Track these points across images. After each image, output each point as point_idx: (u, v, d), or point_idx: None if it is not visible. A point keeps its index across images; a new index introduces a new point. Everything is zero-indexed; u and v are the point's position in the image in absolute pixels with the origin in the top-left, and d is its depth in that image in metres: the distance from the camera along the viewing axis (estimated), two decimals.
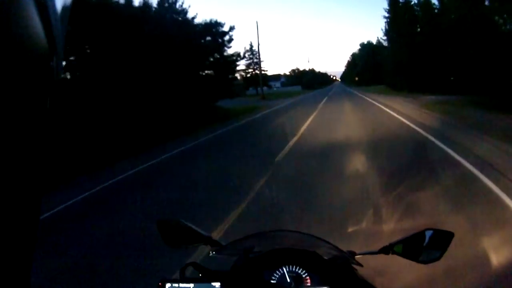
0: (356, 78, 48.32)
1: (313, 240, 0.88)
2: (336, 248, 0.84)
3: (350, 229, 2.50)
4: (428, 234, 0.81)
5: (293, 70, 75.97)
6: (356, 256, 0.88)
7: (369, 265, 0.84)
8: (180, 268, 0.82)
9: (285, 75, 78.70)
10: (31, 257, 0.23)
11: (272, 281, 0.86)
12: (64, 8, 0.24)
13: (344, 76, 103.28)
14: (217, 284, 0.77)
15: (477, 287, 1.58)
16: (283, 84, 67.73)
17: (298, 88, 59.29)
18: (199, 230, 0.86)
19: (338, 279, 0.83)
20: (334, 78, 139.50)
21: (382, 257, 0.87)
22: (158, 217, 0.86)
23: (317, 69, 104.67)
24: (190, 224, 0.86)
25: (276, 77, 69.83)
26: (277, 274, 0.88)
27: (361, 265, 0.83)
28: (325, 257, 0.85)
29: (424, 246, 0.81)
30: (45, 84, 0.23)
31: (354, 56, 69.94)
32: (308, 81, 68.54)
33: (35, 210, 0.23)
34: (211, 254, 0.87)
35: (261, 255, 0.87)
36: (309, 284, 0.86)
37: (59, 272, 2.41)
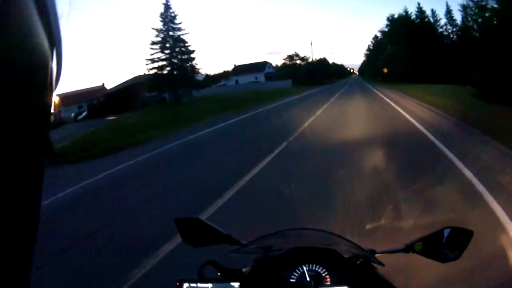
0: (385, 70, 38.09)
1: (333, 238, 0.93)
2: (357, 246, 0.89)
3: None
4: (446, 232, 0.84)
5: (290, 56, 63.71)
6: (376, 255, 0.91)
7: (387, 263, 0.89)
8: (199, 267, 0.86)
9: (279, 66, 65.21)
10: (31, 257, 0.26)
11: (291, 280, 0.90)
12: (65, 8, 0.27)
13: (362, 68, 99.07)
14: (236, 284, 0.79)
15: None
16: (269, 78, 56.74)
17: (286, 83, 45.86)
18: (218, 228, 0.93)
19: (358, 279, 0.85)
20: (351, 70, 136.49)
21: (400, 255, 0.91)
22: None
23: (331, 60, 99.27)
24: (209, 222, 0.93)
25: (260, 66, 59.19)
26: (296, 273, 0.90)
27: (382, 264, 0.87)
28: (345, 256, 0.89)
29: (443, 245, 0.84)
30: (45, 84, 0.24)
31: (377, 41, 57.05)
32: (308, 73, 57.80)
33: (35, 209, 0.25)
34: (230, 253, 0.92)
35: (281, 254, 0.92)
36: (328, 283, 0.88)
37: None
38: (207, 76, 60.82)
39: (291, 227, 0.93)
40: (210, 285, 0.79)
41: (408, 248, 0.87)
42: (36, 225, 0.26)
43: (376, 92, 21.51)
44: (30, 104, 0.23)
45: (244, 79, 54.84)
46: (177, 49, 27.14)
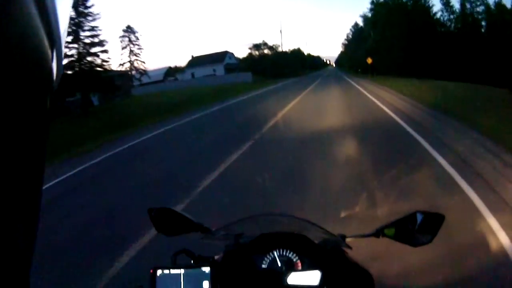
0: (369, 60, 32.05)
1: (304, 224, 1.05)
2: (327, 231, 1.01)
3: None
4: (419, 217, 0.95)
5: (257, 46, 62.27)
6: (347, 239, 1.04)
7: (361, 251, 1.04)
8: (172, 255, 1.00)
9: (245, 57, 63.78)
10: (31, 257, 0.29)
11: (263, 266, 1.03)
12: (65, 7, 0.31)
13: (340, 59, 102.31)
14: (207, 269, 0.92)
15: None
16: (229, 69, 55.44)
17: (245, 77, 43.79)
18: (190, 217, 1.06)
19: (329, 263, 0.98)
20: (328, 62, 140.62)
21: (374, 242, 1.04)
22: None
23: (307, 51, 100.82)
24: (181, 212, 1.07)
25: (219, 56, 58.04)
26: (267, 258, 1.04)
27: (350, 247, 1.01)
28: (316, 241, 1.02)
29: (415, 229, 0.95)
30: (45, 84, 0.28)
31: (357, 29, 57.15)
32: (275, 65, 57.23)
33: (35, 209, 0.29)
34: (201, 240, 1.06)
35: (252, 240, 1.05)
36: (300, 268, 1.01)
37: None
38: (170, 68, 60.27)
39: (261, 212, 1.07)
40: (182, 270, 0.92)
41: (379, 233, 0.99)
42: (36, 225, 0.29)
43: (363, 92, 17.20)
44: (29, 104, 0.26)
45: (201, 72, 54.00)
46: (87, 41, 24.11)
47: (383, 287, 0.98)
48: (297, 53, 79.02)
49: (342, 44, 77.68)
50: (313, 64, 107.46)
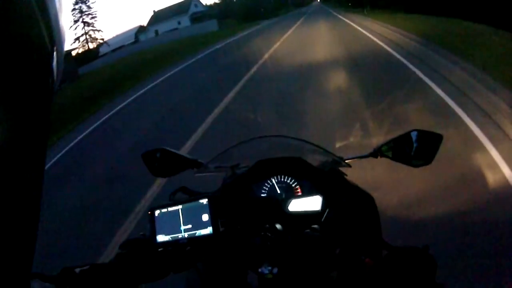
0: None
1: (300, 144, 1.13)
2: (325, 150, 1.10)
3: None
4: (414, 136, 1.03)
5: None
6: (345, 161, 1.13)
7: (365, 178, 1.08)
8: (170, 193, 1.09)
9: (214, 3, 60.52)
10: (31, 257, 0.32)
11: (262, 194, 1.12)
12: (65, 7, 0.34)
13: None
14: (204, 201, 0.99)
15: None
16: (197, 19, 53.98)
17: (211, 25, 42.61)
18: (185, 154, 1.16)
19: (329, 186, 1.06)
20: None
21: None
22: None
23: None
24: (174, 151, 1.16)
25: (183, 7, 57.46)
26: (266, 186, 1.13)
27: (349, 166, 1.10)
28: (314, 163, 1.09)
29: (413, 149, 1.03)
30: (45, 84, 0.30)
31: None
32: (247, 6, 56.44)
33: (35, 209, 0.31)
34: (196, 174, 1.15)
35: (248, 169, 1.13)
36: (300, 194, 1.10)
37: None
38: (141, 27, 59.04)
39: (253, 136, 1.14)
40: (180, 206, 1.00)
41: (376, 152, 1.08)
42: (36, 225, 0.32)
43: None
44: (30, 103, 0.29)
45: (165, 27, 52.40)
46: None
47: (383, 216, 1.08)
48: None
49: None
50: (297, 1, 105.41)
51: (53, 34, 0.30)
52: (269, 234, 0.95)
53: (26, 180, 0.30)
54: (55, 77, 0.32)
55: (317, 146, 1.10)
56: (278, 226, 0.97)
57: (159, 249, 0.96)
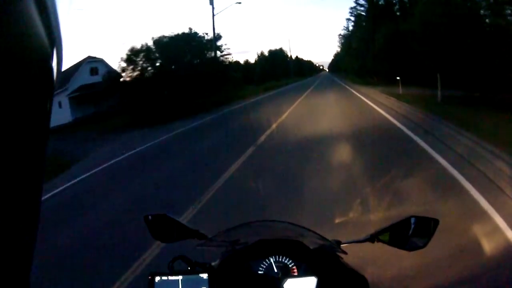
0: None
1: (299, 230, 1.23)
2: (322, 237, 1.21)
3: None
4: (413, 221, 1.14)
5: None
6: (342, 245, 1.25)
7: (357, 255, 1.29)
8: (169, 261, 1.18)
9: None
10: (31, 257, 0.34)
11: (259, 272, 1.20)
12: (65, 7, 0.54)
13: (336, 63, 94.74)
14: (205, 276, 1.09)
15: None
16: (83, 100, 26.63)
17: None
18: (186, 224, 1.32)
19: (325, 268, 1.16)
20: (321, 67, 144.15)
21: (370, 247, 1.22)
22: None
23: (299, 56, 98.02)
24: (176, 219, 1.30)
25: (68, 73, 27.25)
26: (264, 264, 1.21)
27: (345, 252, 1.20)
28: (311, 247, 1.21)
29: (410, 234, 1.14)
30: (45, 84, 0.33)
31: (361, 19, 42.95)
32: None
33: (35, 210, 0.34)
34: (197, 246, 1.27)
35: (248, 246, 1.25)
36: (296, 274, 1.18)
37: None
38: None
39: (257, 219, 1.26)
40: (180, 277, 1.09)
41: (373, 238, 1.20)
42: (36, 225, 0.34)
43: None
44: (30, 103, 0.31)
45: None
46: None
47: None
48: (279, 54, 70.92)
49: (340, 37, 63.95)
50: (302, 69, 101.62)
51: (53, 34, 0.34)
52: None
53: (26, 180, 0.32)
54: (55, 77, 0.35)
55: (316, 233, 1.22)
56: None
57: None
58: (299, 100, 21.80)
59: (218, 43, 28.56)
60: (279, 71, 64.33)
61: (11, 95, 0.27)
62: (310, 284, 1.14)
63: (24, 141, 0.31)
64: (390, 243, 1.15)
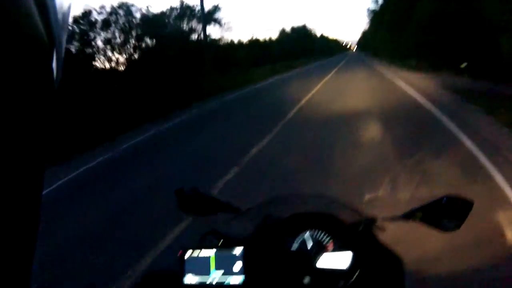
0: None
1: (334, 204, 1.25)
2: (358, 211, 1.22)
3: None
4: (446, 200, 1.12)
5: None
6: (378, 222, 1.22)
7: (386, 233, 1.18)
8: (200, 236, 1.19)
9: None
10: (31, 257, 0.34)
11: (293, 247, 1.19)
12: (65, 7, 0.38)
13: (365, 41, 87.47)
14: (240, 250, 1.07)
15: None
16: None
17: None
18: (218, 197, 1.16)
19: (360, 244, 1.15)
20: (348, 46, 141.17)
21: (396, 225, 1.19)
22: None
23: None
24: (208, 193, 1.31)
25: None
26: (298, 239, 1.20)
27: (384, 229, 1.20)
28: (347, 222, 1.20)
29: (444, 214, 1.12)
30: (45, 85, 0.33)
31: None
32: None
33: (35, 209, 0.34)
34: (230, 220, 1.28)
35: (282, 220, 1.24)
36: (331, 249, 1.16)
37: None
38: None
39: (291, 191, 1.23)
40: (213, 251, 1.08)
41: (409, 216, 1.20)
42: (37, 225, 0.35)
43: None
44: (30, 104, 0.31)
45: None
46: None
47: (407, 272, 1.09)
48: (302, 31, 66.35)
49: (369, 10, 54.25)
50: (327, 47, 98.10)
51: (53, 34, 0.34)
52: None
53: (26, 179, 0.33)
54: (55, 77, 0.35)
55: (352, 208, 1.23)
56: (306, 280, 1.05)
57: None
58: (310, 94, 15.00)
59: (216, 17, 25.54)
60: (301, 49, 59.61)
61: (11, 95, 0.29)
62: (345, 261, 1.13)
63: (25, 140, 0.32)
64: (425, 222, 1.13)
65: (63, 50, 0.39)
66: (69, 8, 0.39)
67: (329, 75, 25.15)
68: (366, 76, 22.25)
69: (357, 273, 1.09)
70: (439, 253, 2.96)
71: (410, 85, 14.37)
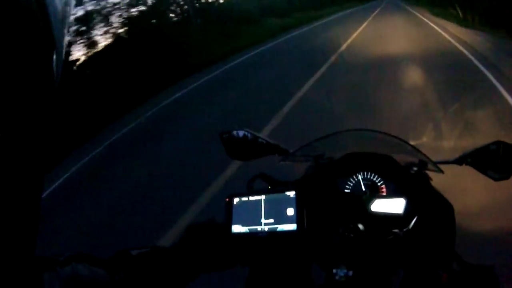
0: None
1: (388, 140, 1.17)
2: (415, 150, 1.14)
3: None
4: (498, 147, 1.06)
5: None
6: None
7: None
8: (248, 181, 1.12)
9: None
10: (32, 256, 0.35)
11: (346, 190, 1.16)
12: (65, 7, 0.38)
13: None
14: (292, 194, 0.96)
15: None
16: None
17: None
18: (266, 138, 1.26)
19: (415, 190, 1.10)
20: None
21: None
22: None
23: None
24: (256, 133, 1.26)
25: None
26: (351, 182, 1.16)
27: (442, 171, 1.12)
28: (402, 163, 1.14)
29: (493, 161, 1.06)
30: (45, 85, 0.34)
31: None
32: None
33: (35, 208, 0.35)
34: (280, 161, 1.22)
35: (333, 161, 1.19)
36: (384, 194, 1.13)
37: None
38: None
39: (343, 128, 1.18)
40: (263, 196, 0.98)
41: (462, 160, 1.15)
42: (37, 225, 0.35)
43: None
44: (30, 104, 0.32)
45: None
46: None
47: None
48: None
49: None
50: None
51: (53, 34, 0.34)
52: (351, 235, 0.98)
53: (27, 179, 0.33)
54: (55, 77, 0.36)
55: (409, 144, 1.17)
56: (360, 226, 1.01)
57: (233, 240, 0.98)
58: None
59: None
60: None
61: (11, 95, 0.29)
62: (399, 206, 1.09)
63: (25, 141, 0.32)
64: (477, 167, 1.10)
65: (63, 50, 0.39)
66: (69, 8, 0.39)
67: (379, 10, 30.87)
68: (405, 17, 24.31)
69: (414, 220, 1.06)
70: (479, 208, 2.98)
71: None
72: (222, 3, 23.16)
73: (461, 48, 11.71)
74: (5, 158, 0.30)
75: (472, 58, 10.07)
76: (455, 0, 19.46)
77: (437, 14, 22.46)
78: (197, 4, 20.23)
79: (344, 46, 14.07)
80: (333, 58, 11.89)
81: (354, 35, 17.20)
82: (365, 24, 21.88)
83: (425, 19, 21.44)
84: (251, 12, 23.88)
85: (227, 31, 19.16)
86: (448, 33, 15.14)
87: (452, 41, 13.16)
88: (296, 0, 33.67)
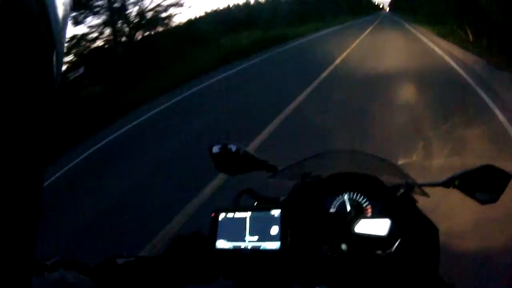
0: None
1: (376, 162, 1.19)
2: (401, 172, 1.16)
3: None
4: (485, 170, 1.05)
5: None
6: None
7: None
8: (235, 196, 1.14)
9: None
10: (31, 257, 0.35)
11: (331, 209, 1.17)
12: (65, 7, 0.38)
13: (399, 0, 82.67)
14: (277, 212, 0.96)
15: None
16: None
17: None
18: (254, 154, 1.27)
19: (400, 211, 1.10)
20: (380, 6, 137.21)
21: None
22: None
23: None
24: (244, 149, 1.27)
25: None
26: (336, 201, 1.17)
27: (427, 195, 1.14)
28: (388, 185, 1.15)
29: (481, 184, 1.05)
30: (45, 85, 0.34)
31: None
32: None
33: (35, 209, 0.34)
34: (267, 178, 1.23)
35: (320, 180, 1.20)
36: (369, 214, 1.14)
37: None
38: None
39: (332, 148, 1.17)
40: (248, 213, 0.98)
41: (449, 183, 1.16)
42: (37, 225, 0.35)
43: None
44: (30, 103, 0.32)
45: None
46: None
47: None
48: None
49: None
50: (358, 6, 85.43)
51: (53, 34, 0.34)
52: (334, 255, 0.99)
53: (27, 179, 0.33)
54: (55, 77, 0.36)
55: (396, 166, 1.20)
56: (343, 246, 1.02)
57: (217, 255, 0.98)
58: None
59: None
60: (324, 8, 46.53)
61: (11, 95, 0.29)
62: (383, 227, 1.06)
63: (25, 141, 0.32)
64: (465, 191, 1.09)
65: (63, 50, 0.39)
66: (69, 8, 0.39)
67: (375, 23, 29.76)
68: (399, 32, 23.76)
69: (397, 243, 1.05)
70: (467, 227, 2.97)
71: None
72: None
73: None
74: (5, 158, 0.29)
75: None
76: (462, 16, 14.73)
77: (443, 35, 17.71)
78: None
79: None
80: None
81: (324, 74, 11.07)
82: (346, 52, 15.66)
83: (430, 43, 16.45)
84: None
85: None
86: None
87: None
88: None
